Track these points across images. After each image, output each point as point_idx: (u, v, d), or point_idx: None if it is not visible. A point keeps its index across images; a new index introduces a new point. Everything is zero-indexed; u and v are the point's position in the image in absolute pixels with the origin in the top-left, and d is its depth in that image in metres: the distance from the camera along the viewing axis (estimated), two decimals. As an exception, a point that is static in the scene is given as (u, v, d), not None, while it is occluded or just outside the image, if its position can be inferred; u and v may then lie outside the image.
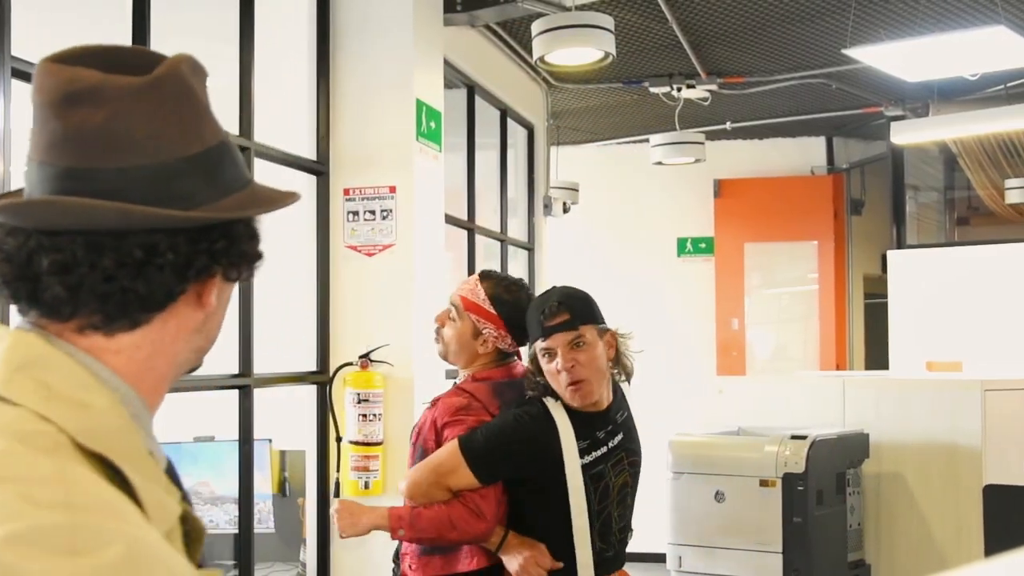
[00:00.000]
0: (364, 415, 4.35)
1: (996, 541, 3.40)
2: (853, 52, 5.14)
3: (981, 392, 4.00)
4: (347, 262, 4.56)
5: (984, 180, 8.06)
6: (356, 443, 4.35)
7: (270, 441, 4.69)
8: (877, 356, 8.87)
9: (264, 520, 4.59)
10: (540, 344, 2.77)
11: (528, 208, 7.13)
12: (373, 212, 4.52)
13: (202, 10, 4.96)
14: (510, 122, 6.68)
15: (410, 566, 2.88)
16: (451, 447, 2.75)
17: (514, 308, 2.91)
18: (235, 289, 1.20)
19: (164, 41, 3.71)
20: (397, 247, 4.50)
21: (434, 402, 2.94)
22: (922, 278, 8.10)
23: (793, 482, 3.71)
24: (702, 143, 6.99)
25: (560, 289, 2.94)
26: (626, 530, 2.91)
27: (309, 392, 4.54)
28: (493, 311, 2.90)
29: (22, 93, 3.03)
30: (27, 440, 0.93)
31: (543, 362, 2.77)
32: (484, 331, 2.90)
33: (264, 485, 4.59)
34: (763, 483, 3.77)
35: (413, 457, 2.88)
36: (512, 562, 2.75)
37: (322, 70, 4.58)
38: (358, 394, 4.36)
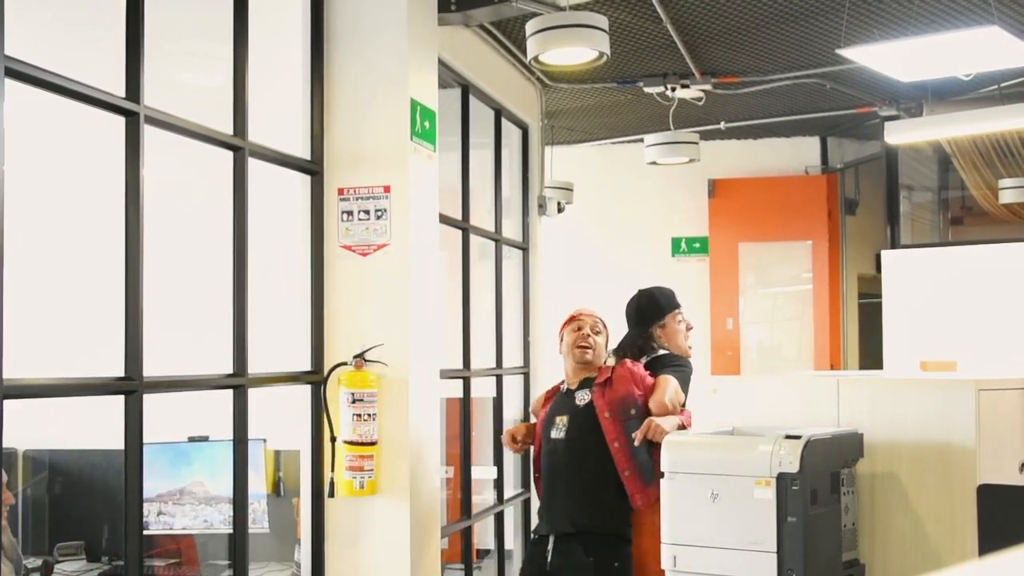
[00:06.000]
0: (359, 415, 4.35)
1: (990, 541, 3.40)
2: (847, 52, 5.14)
3: (975, 392, 4.01)
4: (341, 262, 4.55)
5: (978, 180, 8.07)
6: (351, 443, 4.35)
7: (264, 441, 4.68)
8: (871, 356, 8.89)
9: (259, 520, 4.58)
10: (679, 313, 4.90)
11: (523, 208, 7.13)
12: (367, 212, 4.52)
13: (196, 10, 4.96)
14: (504, 122, 6.68)
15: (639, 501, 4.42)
16: (671, 381, 4.54)
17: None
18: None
19: (158, 41, 3.70)
20: (391, 247, 4.49)
21: (605, 381, 4.56)
22: (916, 278, 8.11)
23: (787, 482, 3.71)
24: (696, 143, 6.99)
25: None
26: None
27: (303, 392, 4.54)
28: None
29: (16, 92, 3.02)
30: None
31: (679, 326, 4.87)
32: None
33: (259, 485, 4.58)
34: (757, 483, 3.77)
35: (618, 415, 4.47)
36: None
37: (316, 70, 4.57)
38: (352, 394, 4.35)
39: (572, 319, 4.70)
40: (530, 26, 4.59)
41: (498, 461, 6.40)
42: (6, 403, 2.90)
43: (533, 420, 4.88)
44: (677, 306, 4.91)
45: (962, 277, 7.90)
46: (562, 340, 4.70)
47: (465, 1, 4.95)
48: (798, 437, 3.80)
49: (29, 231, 4.98)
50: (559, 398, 4.67)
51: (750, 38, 6.27)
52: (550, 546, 4.50)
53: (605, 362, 4.69)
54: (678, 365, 4.71)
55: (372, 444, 4.37)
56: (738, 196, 8.97)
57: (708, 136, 7.97)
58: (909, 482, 4.12)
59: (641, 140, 7.22)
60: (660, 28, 5.99)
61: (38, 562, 4.49)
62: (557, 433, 4.56)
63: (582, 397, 4.55)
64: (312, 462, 4.50)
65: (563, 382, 4.73)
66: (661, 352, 4.80)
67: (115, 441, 3.50)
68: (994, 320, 7.61)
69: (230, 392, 4.02)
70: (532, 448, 4.80)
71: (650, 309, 4.86)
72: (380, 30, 4.54)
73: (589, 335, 4.62)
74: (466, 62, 5.76)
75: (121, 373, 3.45)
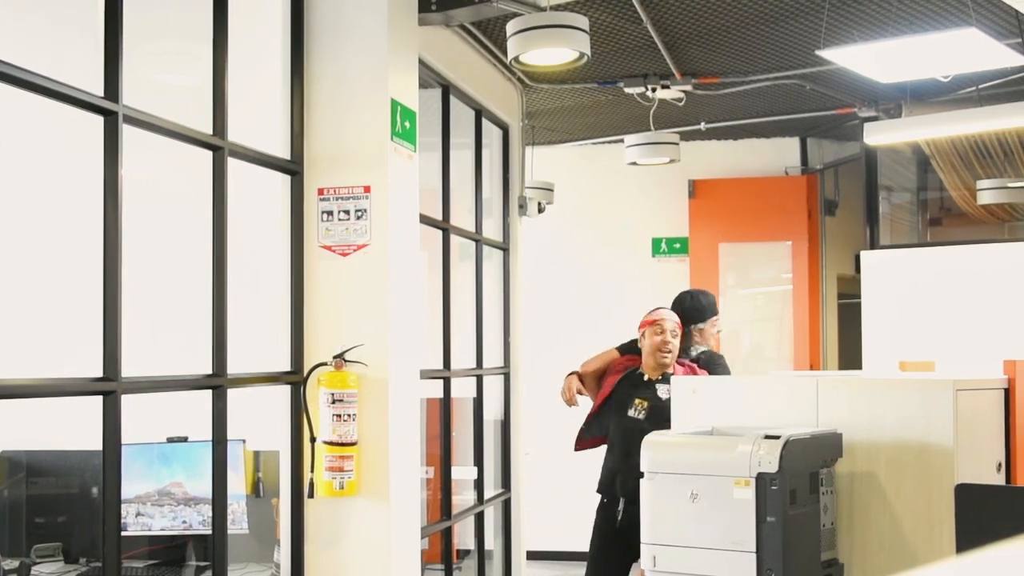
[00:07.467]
0: (338, 415, 4.34)
1: (967, 540, 3.42)
2: (826, 53, 5.16)
3: (953, 392, 4.02)
4: (321, 262, 4.54)
5: (956, 181, 8.11)
6: (330, 443, 4.34)
7: (244, 442, 4.66)
8: (850, 356, 8.92)
9: (238, 521, 4.57)
10: (716, 320, 5.70)
11: (503, 208, 7.13)
12: (347, 212, 4.51)
13: (175, 9, 4.93)
14: (485, 122, 6.68)
15: None
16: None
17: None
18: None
19: (137, 41, 3.68)
20: (371, 247, 4.49)
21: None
22: (895, 278, 8.14)
23: (767, 482, 3.72)
24: (677, 143, 7.00)
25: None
26: None
27: (283, 392, 4.53)
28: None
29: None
30: None
31: (713, 329, 5.69)
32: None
33: (238, 486, 4.57)
34: (737, 483, 3.78)
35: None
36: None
37: (296, 69, 4.56)
38: (332, 394, 4.35)
39: (655, 322, 5.27)
40: (511, 26, 4.59)
41: (478, 462, 6.40)
42: (-17, 404, 2.88)
43: (578, 370, 5.52)
44: (715, 313, 5.69)
45: (941, 278, 7.93)
46: (643, 337, 5.30)
47: (445, 1, 4.94)
48: (777, 437, 3.81)
49: (5, 231, 4.95)
50: (637, 380, 5.29)
51: (730, 39, 6.29)
52: (620, 507, 5.18)
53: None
54: (723, 364, 5.55)
55: (352, 444, 4.36)
56: (718, 196, 8.99)
57: (688, 137, 7.99)
58: (888, 482, 4.13)
59: (621, 140, 7.23)
60: (640, 29, 6.00)
61: (15, 564, 4.46)
62: (635, 413, 5.21)
63: (665, 391, 5.07)
64: (292, 463, 4.49)
65: (639, 367, 5.34)
66: (702, 350, 5.58)
67: (93, 442, 3.49)
68: (972, 321, 7.64)
69: (209, 393, 4.01)
70: (592, 404, 5.44)
71: (694, 311, 5.58)
72: (360, 30, 4.53)
73: (669, 341, 5.24)
74: (446, 62, 5.76)
75: (99, 374, 3.43)
